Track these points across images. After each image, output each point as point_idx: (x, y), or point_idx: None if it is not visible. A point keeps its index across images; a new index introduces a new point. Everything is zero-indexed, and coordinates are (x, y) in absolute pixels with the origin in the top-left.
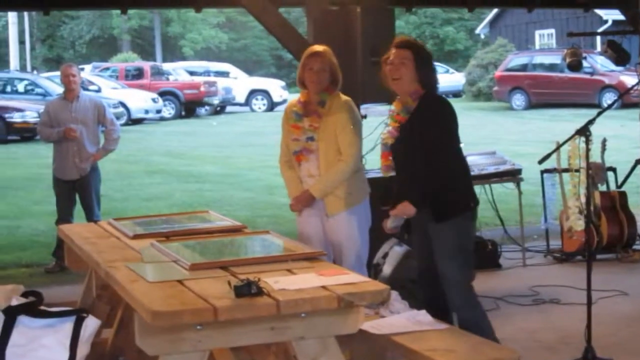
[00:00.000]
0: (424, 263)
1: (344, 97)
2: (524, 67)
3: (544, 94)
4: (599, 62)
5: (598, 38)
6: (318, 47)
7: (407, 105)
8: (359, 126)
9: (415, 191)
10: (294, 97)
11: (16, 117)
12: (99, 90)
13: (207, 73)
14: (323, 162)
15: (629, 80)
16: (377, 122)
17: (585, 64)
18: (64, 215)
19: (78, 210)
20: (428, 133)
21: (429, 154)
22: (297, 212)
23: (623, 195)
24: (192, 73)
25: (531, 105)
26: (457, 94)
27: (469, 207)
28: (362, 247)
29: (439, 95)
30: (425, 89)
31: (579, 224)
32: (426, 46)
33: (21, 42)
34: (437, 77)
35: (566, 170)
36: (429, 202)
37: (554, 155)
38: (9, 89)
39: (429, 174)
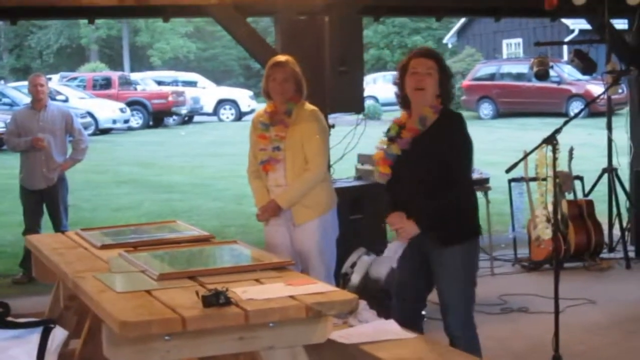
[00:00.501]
0: (410, 279)
1: (310, 107)
2: (491, 77)
3: (512, 103)
4: (566, 71)
5: (565, 47)
6: (280, 57)
7: (425, 117)
8: (325, 135)
9: (425, 211)
10: (261, 106)
11: None
12: (66, 100)
13: (175, 83)
14: (290, 172)
15: (596, 89)
16: (345, 132)
17: (552, 73)
18: (32, 226)
19: (46, 220)
20: (450, 151)
21: (444, 172)
22: (264, 222)
23: (590, 203)
24: (160, 83)
25: (499, 115)
26: None
27: (478, 232)
28: (330, 257)
29: (457, 112)
30: (444, 103)
31: (547, 233)
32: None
33: None
34: (453, 89)
35: (534, 179)
36: (438, 224)
37: (522, 164)
38: None
39: (442, 194)
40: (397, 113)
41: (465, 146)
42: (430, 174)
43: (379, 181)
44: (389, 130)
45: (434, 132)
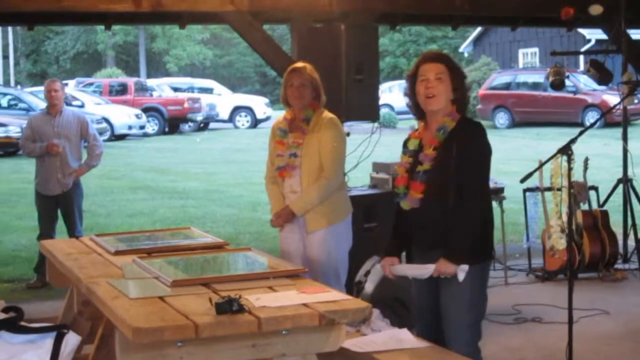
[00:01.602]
0: (426, 305)
1: (329, 114)
2: (507, 86)
3: (528, 113)
4: (582, 81)
5: (581, 57)
6: (298, 64)
7: (445, 127)
8: (343, 143)
9: (454, 241)
10: (277, 114)
11: None
12: (82, 106)
13: (191, 89)
14: (305, 179)
15: (612, 99)
16: (360, 140)
17: (568, 82)
18: (46, 231)
19: (60, 225)
20: (472, 164)
21: (464, 188)
22: (279, 229)
23: (605, 214)
24: (176, 89)
25: (514, 124)
26: None
27: (491, 255)
28: (341, 266)
29: (477, 121)
30: (460, 109)
31: (561, 243)
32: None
33: (5, 56)
34: (469, 95)
35: (549, 189)
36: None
37: (537, 174)
38: None
39: (459, 214)
40: (412, 122)
41: (487, 159)
42: (450, 190)
43: (405, 207)
44: (406, 144)
45: (452, 143)
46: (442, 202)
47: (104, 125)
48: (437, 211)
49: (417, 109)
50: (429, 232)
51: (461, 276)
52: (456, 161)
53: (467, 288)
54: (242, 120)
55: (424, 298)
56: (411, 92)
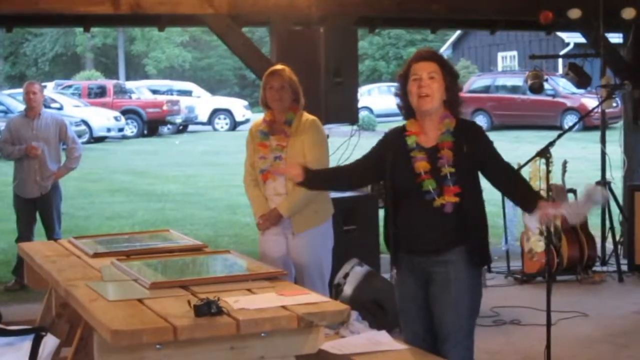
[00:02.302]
0: (417, 322)
1: (310, 117)
2: (486, 89)
3: (506, 116)
4: (560, 85)
5: (560, 61)
6: (277, 66)
7: (449, 129)
8: (326, 145)
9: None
10: (256, 116)
11: None
12: (61, 108)
13: (170, 92)
14: (290, 181)
15: (591, 102)
16: (340, 143)
17: (547, 86)
18: (25, 233)
19: (39, 228)
20: (490, 155)
21: (506, 170)
22: (260, 231)
23: None
24: (155, 92)
25: (493, 127)
26: None
27: (489, 258)
28: (326, 266)
29: (472, 120)
30: (453, 111)
31: (540, 245)
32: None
33: None
34: (462, 99)
35: None
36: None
37: None
38: None
39: (475, 218)
40: (392, 124)
41: (496, 148)
42: (468, 187)
43: (439, 205)
44: (391, 138)
45: (461, 144)
46: (464, 203)
47: (83, 127)
48: (457, 213)
49: (407, 110)
50: (444, 235)
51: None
52: (470, 160)
53: (466, 295)
54: (221, 122)
55: (411, 305)
56: (402, 93)
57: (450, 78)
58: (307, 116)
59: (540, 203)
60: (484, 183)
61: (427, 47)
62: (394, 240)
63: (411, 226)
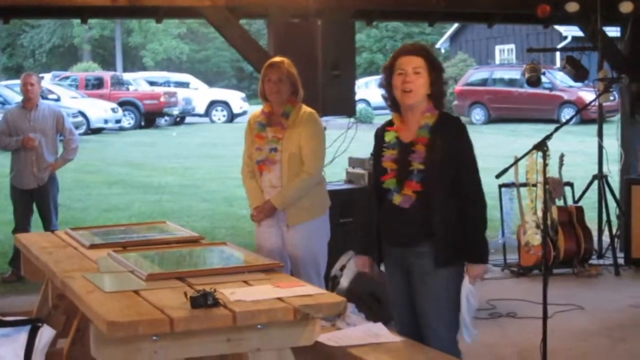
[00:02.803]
0: (402, 302)
1: (308, 109)
2: (484, 82)
3: (504, 109)
4: (558, 78)
5: (557, 54)
6: (276, 58)
7: (427, 124)
8: (322, 138)
9: (476, 243)
10: (254, 109)
11: None
12: (58, 99)
13: (167, 83)
14: (285, 173)
15: (588, 96)
16: (337, 135)
17: (544, 79)
18: (22, 224)
19: (36, 219)
20: (467, 164)
21: (458, 186)
22: (256, 223)
23: (580, 210)
24: (152, 83)
25: (491, 120)
26: None
27: None
28: (321, 260)
29: (457, 116)
30: (437, 104)
31: (536, 239)
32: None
33: None
34: (446, 90)
35: (524, 185)
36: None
37: (512, 170)
38: None
39: (474, 215)
40: (389, 117)
41: (473, 152)
42: (439, 187)
43: (398, 202)
44: (379, 135)
45: (437, 139)
46: (431, 200)
47: (80, 119)
48: (425, 209)
49: (393, 102)
50: (411, 229)
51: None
52: (447, 158)
53: (445, 287)
54: (219, 114)
55: (398, 300)
56: (387, 85)
57: (436, 73)
58: (305, 109)
59: (469, 266)
60: (481, 176)
61: (415, 42)
62: (377, 233)
63: (385, 219)
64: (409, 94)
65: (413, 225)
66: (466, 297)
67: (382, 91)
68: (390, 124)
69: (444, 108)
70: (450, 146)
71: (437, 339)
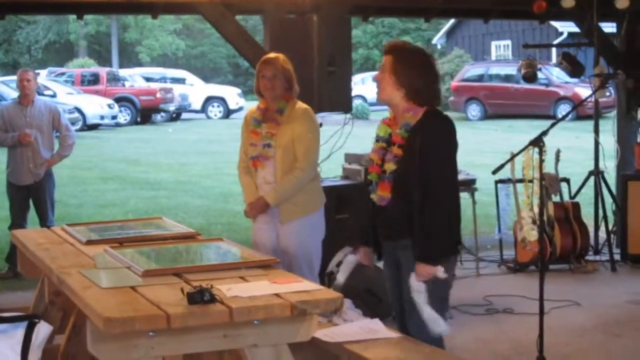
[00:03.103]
0: (395, 298)
1: (303, 105)
2: (480, 78)
3: (500, 105)
4: (554, 74)
5: (554, 50)
6: (271, 55)
7: (407, 124)
8: (317, 134)
9: (427, 243)
10: (250, 104)
11: None
12: (54, 96)
13: (163, 79)
14: (279, 169)
15: (584, 92)
16: (333, 131)
17: (540, 75)
18: (18, 221)
19: (32, 215)
20: (434, 161)
21: (426, 185)
22: (252, 219)
23: (576, 206)
24: (148, 79)
25: (487, 116)
26: None
27: (456, 249)
28: (315, 256)
29: (443, 114)
30: (421, 103)
31: (533, 235)
32: (421, 51)
33: None
34: (434, 86)
35: (520, 181)
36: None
37: (509, 166)
38: None
39: (427, 212)
40: (385, 113)
41: (449, 152)
42: (415, 187)
43: (375, 200)
44: (378, 132)
45: (416, 138)
46: (408, 200)
47: (76, 115)
48: (402, 208)
49: None
50: (393, 227)
51: (441, 275)
52: (420, 157)
53: (428, 282)
54: (215, 110)
55: (392, 292)
56: None
57: (408, 71)
58: (300, 105)
59: (418, 265)
60: (477, 172)
61: (394, 40)
62: (373, 226)
63: (377, 213)
64: (379, 93)
65: (395, 220)
66: (417, 294)
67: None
68: (387, 118)
69: (432, 104)
70: (424, 145)
71: (420, 332)
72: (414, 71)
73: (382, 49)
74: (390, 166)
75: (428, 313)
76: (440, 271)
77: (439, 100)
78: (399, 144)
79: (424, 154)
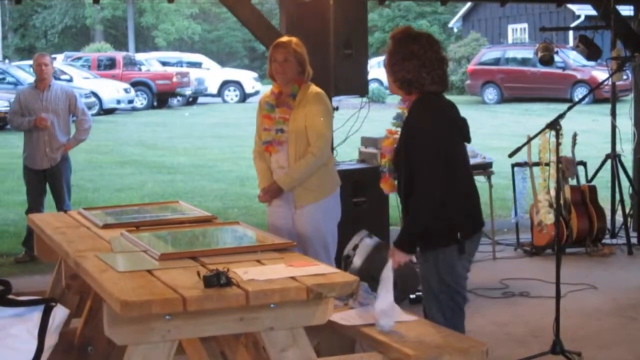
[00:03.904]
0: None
1: (315, 89)
2: (496, 62)
3: (517, 89)
4: (571, 57)
5: (570, 33)
6: (283, 38)
7: (398, 112)
8: (329, 118)
9: (403, 229)
10: (266, 88)
11: None
12: (70, 80)
13: (179, 64)
14: (292, 154)
15: (601, 75)
16: (349, 115)
17: (557, 58)
18: (35, 205)
19: (49, 200)
20: (413, 149)
21: (412, 174)
22: (267, 204)
23: (593, 189)
24: (164, 64)
25: (503, 100)
26: None
27: (455, 238)
28: (330, 240)
29: (431, 99)
30: (408, 92)
31: (549, 218)
32: (421, 36)
33: None
34: (424, 72)
35: (537, 164)
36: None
37: (525, 149)
38: None
39: (411, 202)
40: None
41: (422, 139)
42: (403, 179)
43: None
44: (397, 116)
45: (403, 130)
46: (401, 188)
47: (93, 99)
48: (401, 196)
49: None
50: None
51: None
52: (405, 147)
53: (431, 269)
54: (231, 94)
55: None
56: None
57: (399, 63)
58: (313, 88)
59: (393, 249)
60: (494, 155)
61: (398, 28)
62: None
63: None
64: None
65: (401, 209)
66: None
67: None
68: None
69: (422, 91)
70: (408, 136)
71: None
72: (406, 63)
73: None
74: (385, 160)
75: (385, 303)
76: (398, 258)
77: (441, 85)
78: (393, 137)
79: (408, 144)
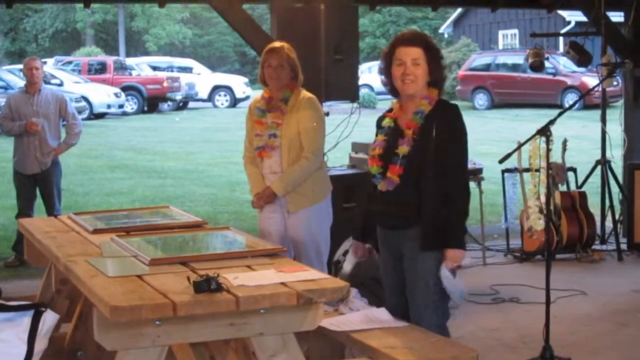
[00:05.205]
0: (393, 285)
1: (307, 94)
2: (487, 67)
3: (507, 94)
4: (561, 63)
5: (561, 39)
6: (276, 44)
7: (422, 110)
8: (322, 123)
9: (454, 228)
10: (256, 93)
11: None
12: (61, 84)
13: (170, 68)
14: (285, 159)
15: (591, 81)
16: (340, 120)
17: (547, 64)
18: (25, 209)
19: (39, 204)
20: (454, 149)
21: (445, 172)
22: (258, 209)
23: (583, 195)
24: (155, 68)
25: (494, 105)
26: None
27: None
28: (323, 245)
29: (453, 103)
30: (437, 91)
31: (539, 224)
32: (434, 41)
33: None
34: (446, 76)
35: (527, 170)
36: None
37: (515, 155)
38: None
39: (453, 200)
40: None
41: (466, 141)
42: (430, 173)
43: (383, 189)
44: (380, 123)
45: (431, 126)
46: (419, 186)
47: (83, 104)
48: (413, 194)
49: (392, 88)
50: (400, 214)
51: (467, 261)
52: (436, 144)
53: (433, 272)
54: (222, 99)
55: (391, 278)
56: (386, 72)
57: (435, 61)
58: (304, 94)
59: (448, 252)
60: (484, 161)
61: (413, 30)
62: (371, 217)
63: (377, 203)
64: (409, 84)
65: (402, 208)
66: (445, 282)
67: (381, 77)
68: (390, 110)
69: (443, 94)
70: (442, 133)
71: (426, 324)
72: (439, 61)
73: (395, 40)
74: (403, 149)
75: (455, 286)
76: (468, 257)
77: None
78: (414, 130)
79: (442, 142)
